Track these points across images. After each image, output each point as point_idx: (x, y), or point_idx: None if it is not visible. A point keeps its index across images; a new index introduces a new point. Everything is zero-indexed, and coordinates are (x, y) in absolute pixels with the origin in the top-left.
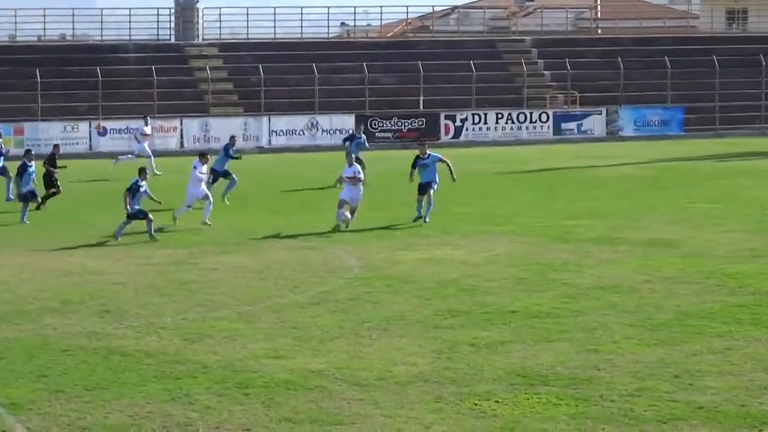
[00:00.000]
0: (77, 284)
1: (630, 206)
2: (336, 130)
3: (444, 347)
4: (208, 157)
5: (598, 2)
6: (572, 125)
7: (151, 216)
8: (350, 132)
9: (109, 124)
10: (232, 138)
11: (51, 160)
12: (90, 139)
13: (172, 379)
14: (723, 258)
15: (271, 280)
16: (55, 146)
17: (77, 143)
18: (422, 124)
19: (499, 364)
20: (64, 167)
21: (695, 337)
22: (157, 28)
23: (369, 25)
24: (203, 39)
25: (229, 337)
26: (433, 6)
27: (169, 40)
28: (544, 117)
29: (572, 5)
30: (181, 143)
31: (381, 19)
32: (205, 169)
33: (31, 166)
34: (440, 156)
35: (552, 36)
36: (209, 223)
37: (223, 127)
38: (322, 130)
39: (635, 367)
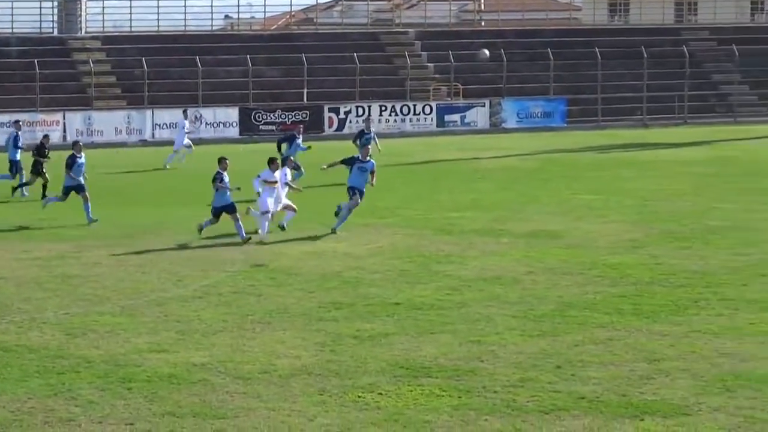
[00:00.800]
0: None
1: (513, 198)
2: (219, 123)
3: (327, 340)
4: (278, 163)
5: None
6: (455, 117)
7: (239, 215)
8: (360, 129)
9: None
10: (299, 127)
11: (40, 150)
12: None
13: (54, 374)
14: (605, 249)
15: (154, 274)
16: (45, 136)
17: None
18: (306, 117)
19: (383, 356)
20: (49, 158)
21: (577, 328)
22: (40, 21)
23: (253, 17)
24: (86, 32)
25: (112, 331)
26: None
27: (52, 33)
28: (427, 109)
29: None
30: (64, 137)
31: (265, 12)
32: (277, 174)
33: (80, 158)
34: (374, 165)
35: (435, 28)
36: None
37: (106, 121)
38: (206, 123)
39: (518, 358)
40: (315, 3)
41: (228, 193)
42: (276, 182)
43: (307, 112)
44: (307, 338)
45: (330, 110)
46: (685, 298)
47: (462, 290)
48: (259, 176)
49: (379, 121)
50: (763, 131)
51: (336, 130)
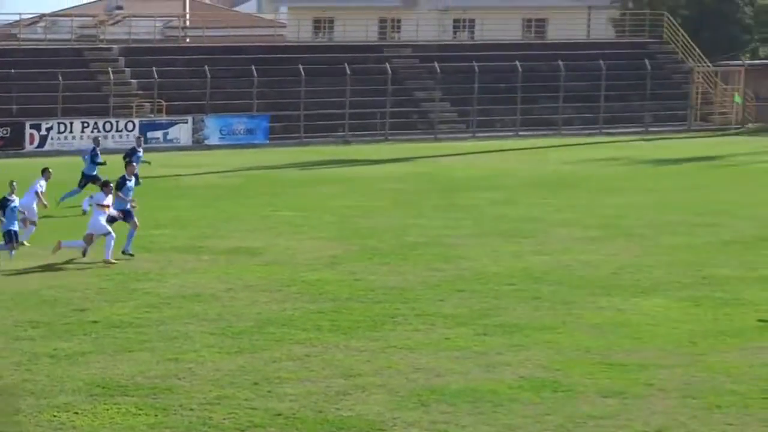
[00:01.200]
0: None
1: (214, 215)
2: None
3: (23, 359)
4: (111, 186)
5: (187, 10)
6: (158, 134)
7: (14, 245)
8: (132, 147)
9: None
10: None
11: None
12: None
13: None
14: (304, 265)
15: None
16: None
17: None
18: (7, 134)
19: (79, 375)
20: None
21: (275, 345)
22: None
23: None
24: None
25: None
26: (20, 14)
27: None
28: (130, 126)
29: (161, 14)
30: None
31: None
32: (109, 199)
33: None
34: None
35: (140, 44)
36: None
37: None
38: None
39: (215, 376)
40: (18, 19)
41: (15, 219)
42: (108, 206)
43: (8, 129)
44: (4, 357)
45: (31, 127)
46: (383, 314)
47: (161, 308)
48: (91, 197)
49: (81, 137)
50: (461, 148)
51: (37, 147)
